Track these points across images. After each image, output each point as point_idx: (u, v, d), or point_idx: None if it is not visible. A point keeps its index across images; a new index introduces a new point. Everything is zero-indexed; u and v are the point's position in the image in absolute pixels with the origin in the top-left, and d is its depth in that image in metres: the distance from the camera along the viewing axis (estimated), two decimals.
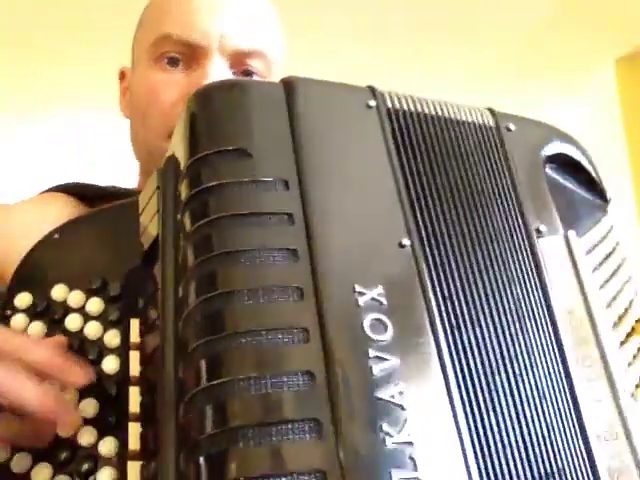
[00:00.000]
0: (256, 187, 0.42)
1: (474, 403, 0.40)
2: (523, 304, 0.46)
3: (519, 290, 0.47)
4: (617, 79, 2.88)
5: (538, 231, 0.49)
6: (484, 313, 0.44)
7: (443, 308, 0.42)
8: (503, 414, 0.41)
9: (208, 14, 0.67)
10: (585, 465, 0.43)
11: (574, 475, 0.42)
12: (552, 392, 0.44)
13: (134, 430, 0.45)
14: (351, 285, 0.39)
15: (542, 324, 0.46)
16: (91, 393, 0.49)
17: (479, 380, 0.41)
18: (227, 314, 0.39)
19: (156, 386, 0.43)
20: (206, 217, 0.41)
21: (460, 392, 0.39)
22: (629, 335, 0.52)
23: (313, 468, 0.34)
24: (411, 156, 0.47)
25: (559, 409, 0.44)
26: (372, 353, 0.37)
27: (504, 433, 0.41)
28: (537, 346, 0.45)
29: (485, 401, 0.41)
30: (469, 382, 0.40)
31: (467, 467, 0.36)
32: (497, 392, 0.42)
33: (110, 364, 0.50)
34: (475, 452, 0.38)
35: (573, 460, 0.42)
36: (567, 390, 0.45)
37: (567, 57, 2.75)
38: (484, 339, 0.43)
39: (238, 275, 0.39)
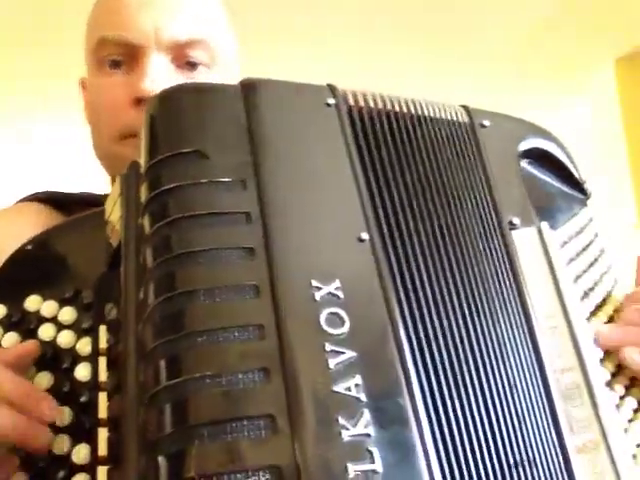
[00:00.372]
0: (214, 188, 0.42)
1: (437, 394, 0.40)
2: (495, 296, 0.46)
3: (492, 282, 0.46)
4: (617, 79, 2.88)
5: (511, 223, 0.49)
6: (452, 305, 0.44)
7: (405, 301, 0.42)
8: (470, 404, 0.41)
9: (139, 10, 0.65)
10: (557, 454, 0.42)
11: (545, 464, 0.42)
12: (524, 383, 0.44)
13: (103, 435, 0.45)
14: (308, 280, 0.39)
15: (515, 316, 0.46)
16: (65, 401, 0.50)
17: (444, 371, 0.41)
18: (185, 314, 0.39)
19: (120, 390, 0.43)
20: (164, 219, 0.42)
21: (420, 383, 0.39)
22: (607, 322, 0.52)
23: (268, 464, 0.34)
24: (375, 153, 0.47)
25: (531, 400, 0.43)
26: (328, 347, 0.37)
27: (470, 423, 0.40)
28: (509, 338, 0.45)
29: (450, 391, 0.41)
30: (432, 373, 0.40)
31: (427, 457, 0.36)
32: (464, 383, 0.42)
33: (82, 372, 0.50)
34: (435, 441, 0.37)
35: (544, 450, 0.42)
36: (540, 381, 0.44)
37: (567, 57, 2.75)
38: (452, 331, 0.43)
39: (196, 275, 0.40)
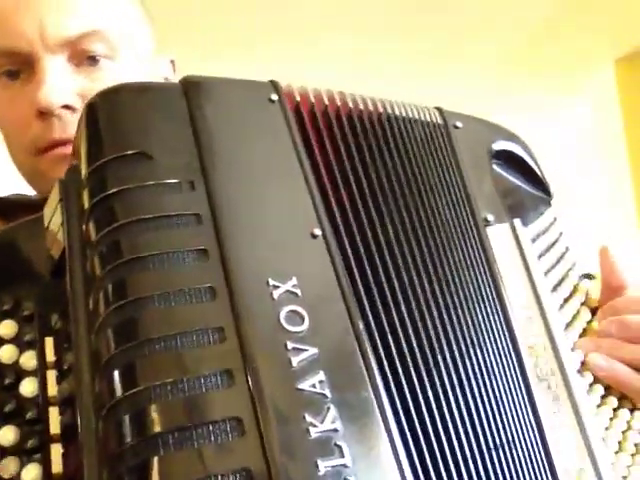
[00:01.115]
0: (161, 190, 0.41)
1: (404, 382, 0.40)
2: (469, 284, 0.47)
3: (466, 272, 0.48)
4: (617, 79, 2.88)
5: (486, 220, 0.51)
6: (424, 295, 0.45)
7: (364, 294, 0.42)
8: (445, 390, 0.42)
9: (16, 13, 0.60)
10: (535, 435, 0.44)
11: (524, 445, 0.43)
12: (501, 368, 0.45)
13: (56, 452, 0.43)
14: (264, 279, 0.39)
15: (490, 305, 0.47)
16: (10, 420, 0.47)
17: (412, 358, 0.42)
18: (139, 321, 0.38)
19: (74, 404, 0.41)
20: (111, 224, 0.40)
21: (383, 374, 0.39)
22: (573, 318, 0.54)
23: (239, 467, 0.34)
24: (331, 149, 0.47)
25: (508, 383, 0.45)
26: (290, 345, 0.37)
27: (445, 408, 0.41)
28: (485, 325, 0.46)
29: (420, 378, 0.41)
30: (397, 363, 0.41)
31: (393, 446, 0.36)
32: (437, 369, 0.42)
33: (28, 387, 0.48)
34: (402, 430, 0.38)
35: (523, 431, 0.43)
36: (516, 365, 0.46)
37: (567, 57, 2.74)
38: (422, 319, 0.44)
39: (148, 281, 0.39)
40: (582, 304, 0.55)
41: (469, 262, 0.48)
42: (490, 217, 0.51)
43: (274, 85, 0.47)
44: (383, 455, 0.36)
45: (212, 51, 2.26)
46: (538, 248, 0.54)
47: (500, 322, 0.47)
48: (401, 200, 0.48)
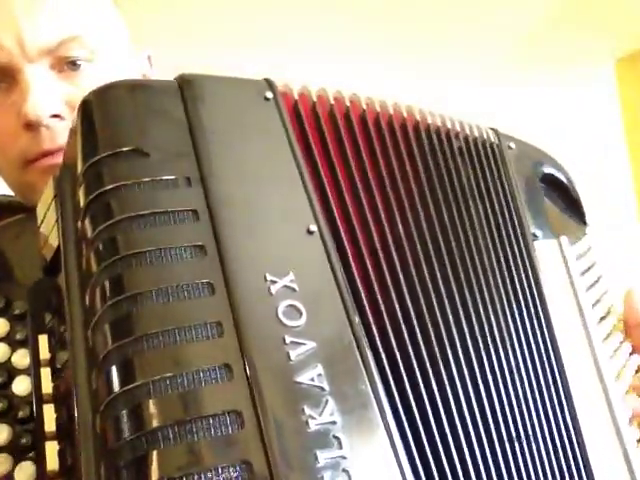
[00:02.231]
0: (157, 186, 0.41)
1: (405, 376, 0.41)
2: (511, 292, 0.50)
3: (509, 285, 0.51)
4: (617, 79, 2.90)
5: (534, 235, 0.54)
6: (448, 285, 0.47)
7: (363, 289, 0.43)
8: (454, 385, 0.43)
9: None
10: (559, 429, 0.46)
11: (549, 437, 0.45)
12: (533, 367, 0.48)
13: (51, 449, 0.43)
14: (262, 274, 0.39)
15: (532, 310, 0.51)
16: (3, 418, 0.47)
17: (416, 351, 0.43)
18: (136, 317, 0.38)
19: (68, 401, 0.41)
20: (107, 221, 0.40)
21: (379, 366, 0.40)
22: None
23: (239, 459, 0.34)
24: (332, 147, 0.47)
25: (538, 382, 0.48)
26: (288, 339, 0.38)
27: (444, 403, 0.42)
28: (521, 323, 0.49)
29: (424, 371, 0.42)
30: (398, 356, 0.42)
31: (390, 437, 0.37)
32: (436, 364, 0.44)
33: (21, 385, 0.48)
34: (399, 421, 0.39)
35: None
36: (553, 366, 0.49)
37: (567, 57, 2.75)
38: (430, 309, 0.45)
39: (145, 276, 0.39)
40: (615, 325, 0.59)
41: (516, 277, 0.51)
42: (538, 233, 0.54)
43: (269, 83, 0.47)
44: (381, 447, 0.37)
45: (211, 50, 2.25)
46: (579, 267, 0.57)
47: (541, 328, 0.50)
48: (432, 206, 0.50)
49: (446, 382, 0.43)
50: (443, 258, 0.48)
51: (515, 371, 0.47)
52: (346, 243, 0.43)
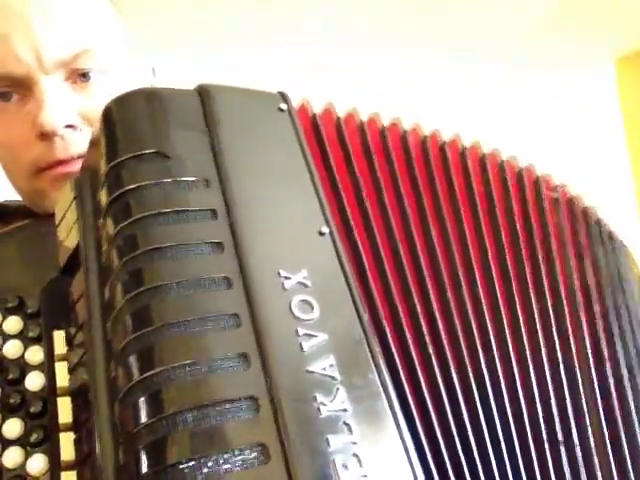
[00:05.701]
0: (177, 186, 0.43)
1: (418, 368, 0.44)
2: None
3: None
4: (617, 79, 2.88)
5: None
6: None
7: (374, 286, 0.46)
8: (483, 382, 0.46)
9: (10, 38, 0.60)
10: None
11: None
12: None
13: (67, 440, 0.44)
14: (276, 271, 0.41)
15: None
16: (15, 413, 0.48)
17: (421, 344, 0.46)
18: (156, 308, 0.39)
19: (84, 394, 0.43)
20: (129, 218, 0.42)
21: (389, 359, 0.42)
22: None
23: (255, 442, 0.36)
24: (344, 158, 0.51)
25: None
26: (301, 331, 0.39)
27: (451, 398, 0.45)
28: None
29: (445, 364, 0.46)
30: (412, 347, 0.45)
31: (397, 425, 0.39)
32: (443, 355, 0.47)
33: (34, 381, 0.49)
34: (407, 410, 0.41)
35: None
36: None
37: (567, 57, 2.73)
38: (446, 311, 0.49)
39: (165, 270, 0.40)
40: None
41: None
42: None
43: (282, 96, 0.50)
44: (389, 433, 0.38)
45: (214, 50, 2.27)
46: None
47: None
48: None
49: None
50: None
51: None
52: (359, 243, 0.47)
